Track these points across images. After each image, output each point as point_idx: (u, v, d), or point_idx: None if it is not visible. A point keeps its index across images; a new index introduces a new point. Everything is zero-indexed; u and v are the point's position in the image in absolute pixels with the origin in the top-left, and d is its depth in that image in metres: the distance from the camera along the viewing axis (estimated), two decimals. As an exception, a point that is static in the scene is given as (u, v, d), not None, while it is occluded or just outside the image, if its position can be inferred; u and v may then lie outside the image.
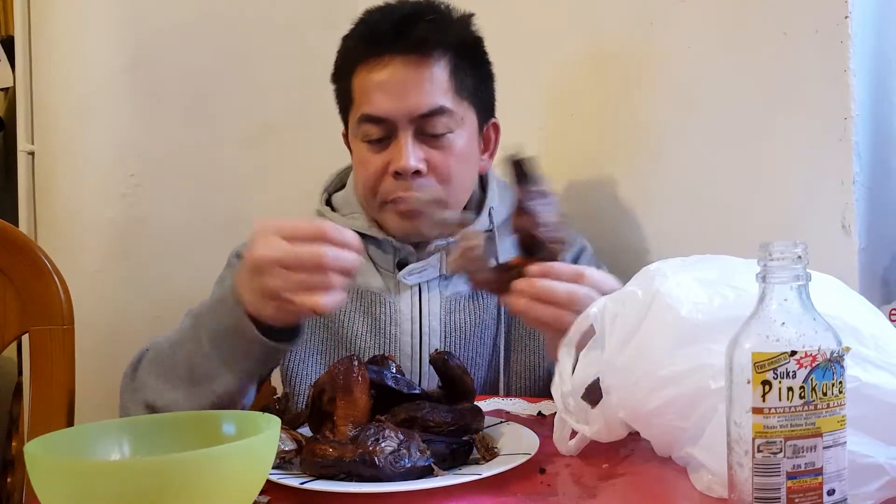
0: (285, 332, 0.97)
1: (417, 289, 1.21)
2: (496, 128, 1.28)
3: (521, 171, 0.96)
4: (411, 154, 1.13)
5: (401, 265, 1.21)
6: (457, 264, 0.93)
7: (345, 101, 1.23)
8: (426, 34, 1.15)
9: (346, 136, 1.28)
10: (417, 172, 1.13)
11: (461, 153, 1.17)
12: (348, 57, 1.20)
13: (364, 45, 1.17)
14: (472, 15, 1.21)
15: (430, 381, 1.15)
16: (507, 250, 1.27)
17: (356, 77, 1.18)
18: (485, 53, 1.25)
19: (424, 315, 1.20)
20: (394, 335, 1.20)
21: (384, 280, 1.22)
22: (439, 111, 1.14)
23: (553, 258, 0.93)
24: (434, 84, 1.14)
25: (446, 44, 1.16)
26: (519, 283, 0.91)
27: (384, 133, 1.15)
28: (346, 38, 1.22)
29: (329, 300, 0.88)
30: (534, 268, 0.89)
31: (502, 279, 0.92)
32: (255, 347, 0.95)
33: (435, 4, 1.20)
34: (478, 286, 0.95)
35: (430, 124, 1.14)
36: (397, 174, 1.13)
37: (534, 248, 0.93)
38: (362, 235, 1.23)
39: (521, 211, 0.93)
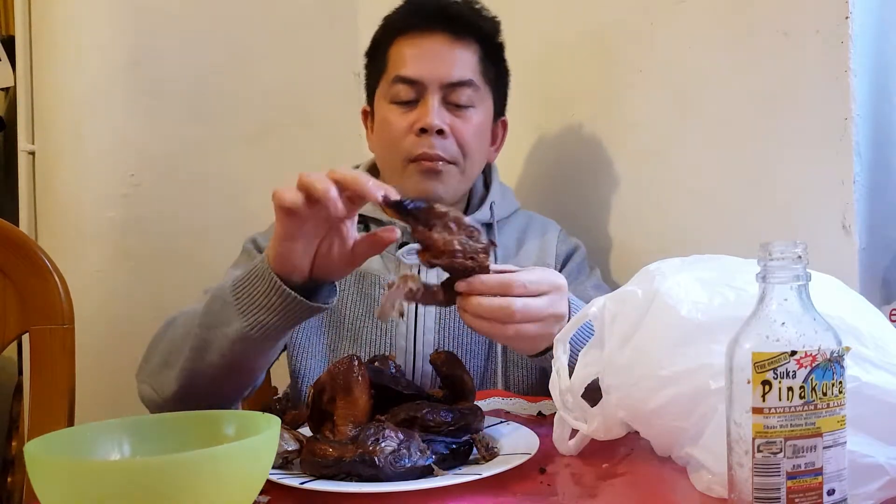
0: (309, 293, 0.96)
1: (417, 269, 1.22)
2: (504, 125, 1.36)
3: (403, 210, 0.85)
4: (437, 114, 1.22)
5: (402, 248, 1.23)
6: (398, 299, 0.86)
7: (377, 70, 1.29)
8: (467, 16, 1.26)
9: (365, 113, 1.35)
10: (441, 132, 1.21)
11: (479, 127, 1.26)
12: (389, 29, 1.29)
13: (408, 18, 1.27)
14: (499, 21, 1.31)
15: (425, 360, 1.17)
16: (505, 244, 1.29)
17: (395, 45, 1.27)
18: (504, 59, 1.33)
19: None
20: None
21: (384, 261, 1.25)
22: (468, 83, 1.24)
23: (478, 271, 0.87)
24: (465, 60, 1.25)
25: (479, 33, 1.27)
26: (458, 302, 0.88)
27: (413, 95, 1.23)
28: (387, 17, 1.31)
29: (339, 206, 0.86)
30: (460, 284, 0.87)
31: (447, 297, 0.88)
32: (274, 297, 0.93)
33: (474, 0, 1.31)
34: (426, 304, 0.91)
35: (456, 94, 1.23)
36: (422, 131, 1.21)
37: (456, 271, 0.87)
38: (365, 217, 1.25)
39: (423, 247, 0.86)
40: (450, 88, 1.23)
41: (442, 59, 1.24)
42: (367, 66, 1.34)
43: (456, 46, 1.24)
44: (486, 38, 1.28)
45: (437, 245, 0.85)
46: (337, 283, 1.24)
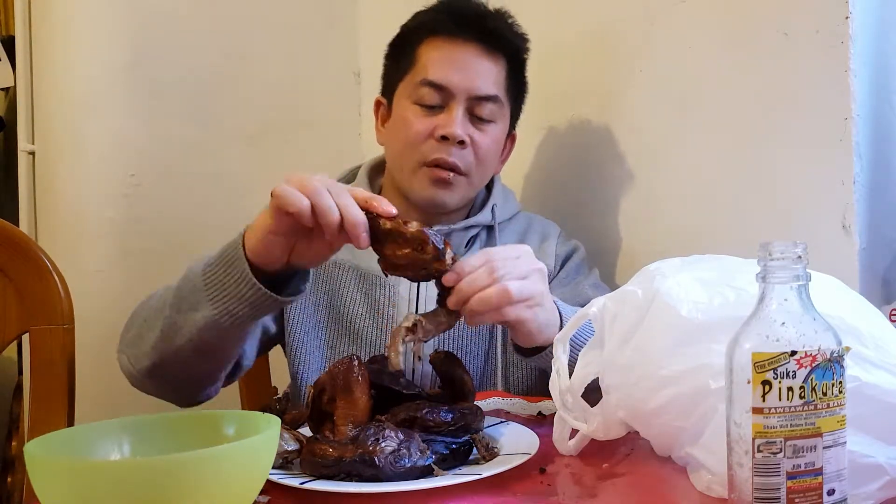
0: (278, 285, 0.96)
1: (415, 306, 1.22)
2: (513, 139, 1.37)
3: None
4: (461, 125, 1.22)
5: None
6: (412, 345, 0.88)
7: (402, 66, 1.28)
8: (501, 30, 1.27)
9: (378, 103, 1.34)
10: (462, 143, 1.22)
11: (495, 141, 1.27)
12: (423, 25, 1.28)
13: (444, 20, 1.26)
14: (528, 38, 1.32)
15: (425, 360, 1.16)
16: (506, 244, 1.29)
17: (425, 45, 1.26)
18: (526, 76, 1.33)
19: (422, 298, 1.22)
20: (391, 316, 1.22)
21: None
22: (493, 98, 1.25)
23: (437, 273, 0.89)
24: (494, 75, 1.26)
25: (510, 49, 1.28)
26: (450, 300, 0.89)
27: (439, 101, 1.23)
28: (419, 13, 1.31)
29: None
30: (449, 275, 0.88)
31: (448, 314, 0.90)
32: (245, 289, 0.94)
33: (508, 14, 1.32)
34: (437, 333, 0.92)
35: (481, 107, 1.24)
36: (444, 138, 1.21)
37: (432, 277, 0.90)
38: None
39: (387, 268, 0.89)
40: (476, 101, 1.23)
41: (473, 70, 1.24)
42: (389, 58, 1.32)
43: (487, 59, 1.25)
44: (515, 54, 1.29)
45: (388, 258, 0.89)
46: (337, 283, 1.25)
